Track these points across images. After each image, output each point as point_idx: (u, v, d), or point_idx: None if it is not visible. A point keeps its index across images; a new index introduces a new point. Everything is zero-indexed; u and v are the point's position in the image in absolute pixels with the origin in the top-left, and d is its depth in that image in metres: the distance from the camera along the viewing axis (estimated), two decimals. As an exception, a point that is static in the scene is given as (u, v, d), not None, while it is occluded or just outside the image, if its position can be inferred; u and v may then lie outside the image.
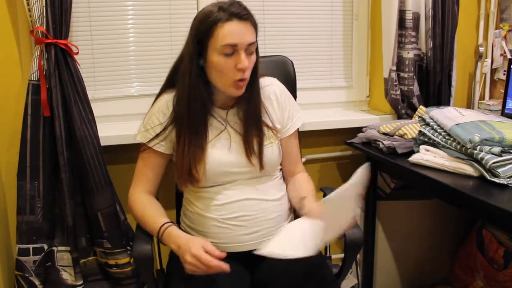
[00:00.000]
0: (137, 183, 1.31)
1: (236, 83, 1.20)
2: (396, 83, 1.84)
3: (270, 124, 1.32)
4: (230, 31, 1.15)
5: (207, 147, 1.25)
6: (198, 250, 1.08)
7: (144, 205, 1.27)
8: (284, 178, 1.41)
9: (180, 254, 1.13)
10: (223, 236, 1.25)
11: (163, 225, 1.20)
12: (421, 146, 1.51)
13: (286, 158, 1.39)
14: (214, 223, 1.25)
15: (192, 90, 1.21)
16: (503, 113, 1.80)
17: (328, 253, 1.54)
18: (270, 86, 1.35)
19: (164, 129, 1.26)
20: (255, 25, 1.21)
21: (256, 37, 1.22)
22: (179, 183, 1.28)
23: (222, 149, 1.26)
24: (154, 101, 1.32)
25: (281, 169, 1.40)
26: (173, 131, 1.27)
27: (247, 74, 1.21)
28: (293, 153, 1.40)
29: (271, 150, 1.30)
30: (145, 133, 1.28)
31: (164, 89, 1.32)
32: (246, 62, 1.18)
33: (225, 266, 1.07)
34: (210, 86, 1.25)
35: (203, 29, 1.18)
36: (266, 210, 1.27)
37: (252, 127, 1.27)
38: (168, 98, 1.28)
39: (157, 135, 1.27)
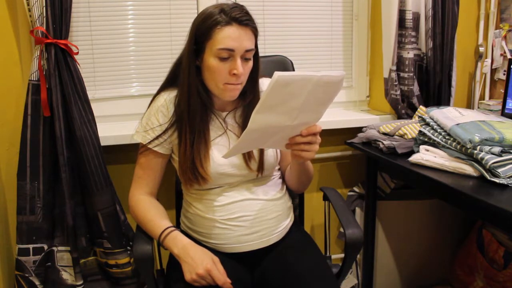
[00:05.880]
0: (137, 185, 1.31)
1: (227, 86, 1.19)
2: (396, 83, 1.84)
3: None
4: (229, 36, 1.14)
5: (210, 145, 1.25)
6: (213, 266, 1.12)
7: (146, 207, 1.27)
8: (283, 176, 1.40)
9: (188, 262, 1.13)
10: (223, 237, 1.25)
11: (166, 228, 1.19)
12: (421, 146, 1.51)
13: (283, 157, 1.39)
14: (215, 224, 1.25)
15: (191, 88, 1.21)
16: (503, 113, 1.80)
17: (328, 253, 1.54)
18: None
19: (165, 132, 1.26)
20: (255, 32, 1.19)
21: (256, 44, 1.21)
22: (184, 183, 1.27)
23: (220, 152, 1.25)
24: (152, 100, 1.31)
25: (279, 169, 1.40)
26: (174, 133, 1.26)
27: (242, 80, 1.20)
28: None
29: (266, 153, 1.29)
30: (144, 134, 1.27)
31: (163, 88, 1.31)
32: (241, 68, 1.16)
33: (230, 286, 1.13)
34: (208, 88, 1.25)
35: (202, 30, 1.17)
36: (266, 210, 1.27)
37: None
38: (166, 98, 1.27)
39: (157, 137, 1.26)
